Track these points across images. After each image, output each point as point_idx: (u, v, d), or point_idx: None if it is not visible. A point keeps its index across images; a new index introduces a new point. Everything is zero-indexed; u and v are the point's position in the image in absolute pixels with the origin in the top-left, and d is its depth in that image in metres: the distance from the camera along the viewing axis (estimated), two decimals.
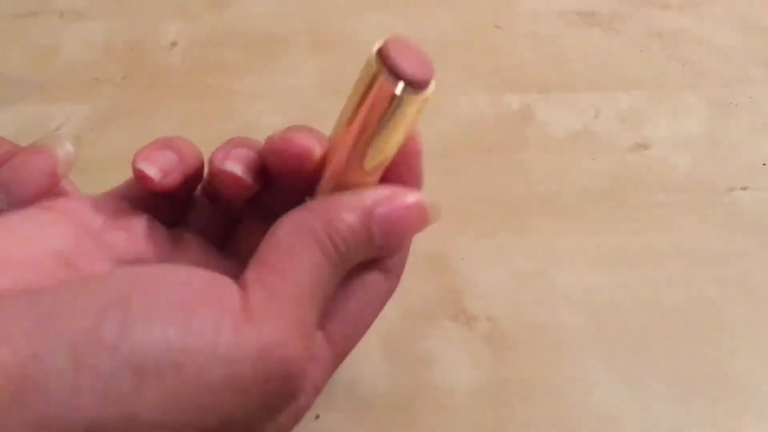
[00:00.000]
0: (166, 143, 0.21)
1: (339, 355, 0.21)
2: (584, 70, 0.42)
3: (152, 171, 0.21)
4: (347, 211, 0.20)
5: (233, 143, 0.21)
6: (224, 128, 0.37)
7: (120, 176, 0.28)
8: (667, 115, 0.39)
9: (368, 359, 0.27)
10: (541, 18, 0.47)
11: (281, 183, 0.22)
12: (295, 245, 0.19)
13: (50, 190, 0.21)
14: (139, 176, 0.20)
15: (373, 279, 0.22)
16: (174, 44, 0.44)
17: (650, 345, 0.28)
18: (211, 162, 0.21)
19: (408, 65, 0.18)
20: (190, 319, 0.16)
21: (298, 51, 0.43)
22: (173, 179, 0.21)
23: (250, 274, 0.18)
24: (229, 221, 0.24)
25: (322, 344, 0.21)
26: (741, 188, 0.35)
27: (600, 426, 0.25)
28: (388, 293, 0.23)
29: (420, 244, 0.32)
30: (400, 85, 0.18)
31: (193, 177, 0.22)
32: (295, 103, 0.39)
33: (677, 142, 0.37)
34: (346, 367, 0.27)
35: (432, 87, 0.18)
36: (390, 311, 0.29)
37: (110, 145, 0.37)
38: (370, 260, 0.21)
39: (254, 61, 0.43)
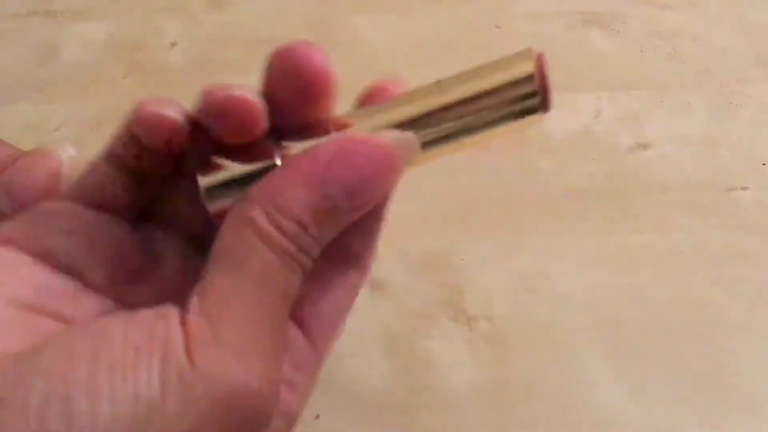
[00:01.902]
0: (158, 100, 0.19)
1: (323, 356, 0.20)
2: (584, 70, 0.42)
3: (173, 112, 0.18)
4: (295, 186, 0.16)
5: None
6: None
7: None
8: (667, 115, 0.39)
9: (368, 359, 0.27)
10: (541, 18, 0.47)
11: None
12: (235, 249, 0.16)
13: (52, 192, 0.20)
14: (160, 120, 0.18)
15: (348, 275, 0.20)
16: (174, 44, 0.44)
17: (650, 345, 0.28)
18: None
19: (551, 87, 0.17)
20: (133, 386, 0.14)
21: None
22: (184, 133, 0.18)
23: (193, 300, 0.16)
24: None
25: (306, 353, 0.19)
26: (741, 188, 0.35)
27: (600, 426, 0.25)
28: (360, 286, 0.21)
29: (420, 244, 0.32)
30: (538, 91, 0.17)
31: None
32: None
33: (677, 142, 0.37)
34: (345, 366, 0.27)
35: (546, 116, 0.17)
36: (390, 311, 0.29)
37: None
38: (341, 257, 0.20)
39: (254, 61, 0.42)
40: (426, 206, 0.34)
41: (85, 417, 0.14)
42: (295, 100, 0.18)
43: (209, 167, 0.18)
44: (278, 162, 0.18)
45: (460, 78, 0.18)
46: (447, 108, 0.17)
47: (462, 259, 0.31)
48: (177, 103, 0.19)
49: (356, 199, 0.17)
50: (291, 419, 0.19)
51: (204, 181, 0.18)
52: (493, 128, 0.17)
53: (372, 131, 0.18)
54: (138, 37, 0.45)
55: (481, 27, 0.46)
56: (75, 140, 0.37)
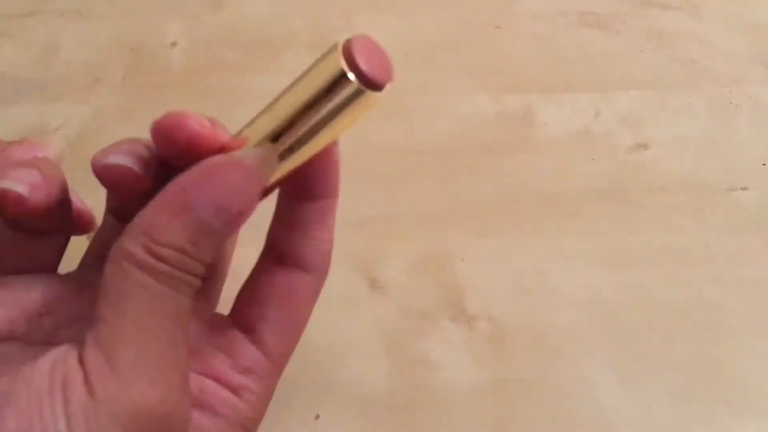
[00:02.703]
0: (19, 162, 0.19)
1: (279, 364, 0.20)
2: (584, 70, 0.42)
3: (20, 187, 0.18)
4: (164, 215, 0.17)
5: (116, 143, 0.20)
6: None
7: None
8: (667, 115, 0.39)
9: (368, 359, 0.27)
10: (541, 18, 0.47)
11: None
12: (118, 282, 0.17)
13: None
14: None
15: (299, 280, 0.21)
16: (174, 44, 0.44)
17: (650, 345, 0.28)
18: (92, 164, 0.19)
19: (370, 64, 0.18)
20: (42, 426, 0.15)
21: (298, 51, 0.43)
22: (43, 195, 0.18)
23: (88, 335, 0.17)
24: None
25: (257, 359, 0.20)
26: (741, 188, 0.35)
27: (600, 426, 0.25)
28: (317, 292, 0.21)
29: (420, 244, 0.32)
30: (353, 80, 0.17)
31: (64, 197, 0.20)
32: None
33: (677, 142, 0.37)
34: (346, 366, 0.27)
35: (388, 89, 0.18)
36: (390, 311, 0.29)
37: None
38: (289, 261, 0.20)
39: (254, 61, 0.43)
40: (426, 206, 0.34)
41: None
42: (182, 161, 0.19)
43: None
44: None
45: (288, 91, 0.19)
46: (289, 120, 0.19)
47: (462, 259, 0.31)
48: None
49: (225, 215, 0.17)
50: (248, 427, 0.20)
51: None
52: (335, 122, 0.18)
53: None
54: (138, 37, 0.45)
55: (481, 27, 0.46)
56: (75, 140, 0.37)
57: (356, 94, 0.18)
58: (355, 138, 0.37)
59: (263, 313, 0.20)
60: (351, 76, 0.17)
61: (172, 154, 0.19)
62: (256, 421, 0.20)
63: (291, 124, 0.19)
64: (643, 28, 0.46)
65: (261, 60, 0.43)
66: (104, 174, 0.19)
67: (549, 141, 0.37)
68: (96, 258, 0.22)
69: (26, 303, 0.19)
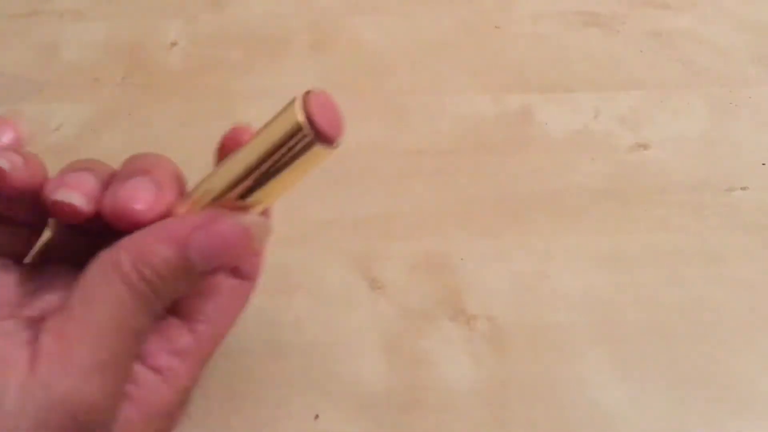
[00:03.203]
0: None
1: (207, 354, 0.22)
2: (584, 70, 0.42)
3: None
4: (160, 242, 0.19)
5: (70, 167, 0.21)
6: (224, 128, 0.37)
7: None
8: (667, 115, 0.39)
9: (368, 359, 0.27)
10: (541, 18, 0.47)
11: None
12: (98, 285, 0.19)
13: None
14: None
15: (228, 285, 0.23)
16: (174, 44, 0.44)
17: (650, 345, 0.28)
18: (43, 197, 0.20)
19: (325, 120, 0.19)
20: None
21: (298, 51, 0.43)
22: (25, 175, 0.20)
23: (51, 321, 0.18)
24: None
25: (190, 344, 0.21)
26: (741, 188, 0.35)
27: (600, 426, 0.25)
28: (245, 295, 0.24)
29: (420, 244, 0.32)
30: (309, 133, 0.19)
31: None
32: None
33: (677, 142, 0.37)
34: (345, 366, 0.27)
35: (339, 144, 0.19)
36: (390, 311, 0.29)
37: (110, 145, 0.37)
38: (232, 269, 0.22)
39: (254, 61, 0.43)
40: (426, 206, 0.34)
41: None
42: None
43: None
44: None
45: (248, 145, 0.20)
46: (245, 172, 0.20)
47: (462, 259, 0.31)
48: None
49: (210, 264, 0.20)
50: (171, 412, 0.21)
51: None
52: (287, 173, 0.20)
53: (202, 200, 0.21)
54: (138, 37, 0.45)
55: (481, 27, 0.46)
56: (75, 140, 0.37)
57: (309, 146, 0.19)
58: (356, 138, 0.37)
59: (203, 307, 0.22)
60: (307, 129, 0.19)
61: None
62: (178, 407, 0.21)
63: (246, 175, 0.20)
64: (643, 28, 0.46)
65: (261, 60, 0.43)
66: (53, 209, 0.20)
67: (549, 141, 0.37)
68: (41, 255, 0.23)
69: None
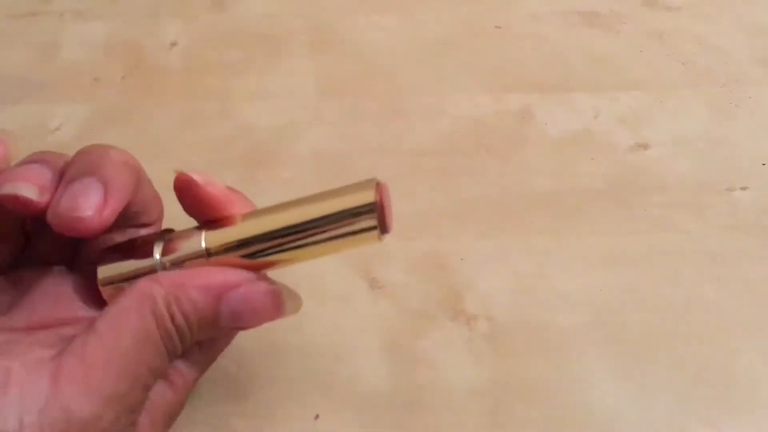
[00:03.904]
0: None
1: (207, 361, 0.23)
2: (584, 70, 0.42)
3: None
4: (197, 289, 0.20)
5: (23, 160, 0.21)
6: (224, 128, 0.37)
7: None
8: (667, 115, 0.39)
9: (368, 359, 0.27)
10: (541, 18, 0.47)
11: None
12: (129, 314, 0.19)
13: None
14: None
15: None
16: (174, 44, 0.44)
17: (650, 345, 0.28)
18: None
19: (388, 213, 0.20)
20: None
21: (298, 51, 0.43)
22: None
23: (77, 341, 0.18)
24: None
25: (193, 349, 0.22)
26: (741, 188, 0.35)
27: (600, 426, 0.25)
28: None
29: (420, 244, 0.32)
30: (375, 216, 0.20)
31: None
32: (295, 103, 0.39)
33: (677, 142, 0.37)
34: (345, 366, 0.27)
35: (386, 238, 0.20)
36: (390, 311, 0.29)
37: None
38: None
39: (254, 61, 0.43)
40: (426, 206, 0.34)
41: None
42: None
43: (104, 259, 0.22)
44: (157, 259, 0.21)
45: (310, 199, 0.21)
46: (301, 227, 0.21)
47: (462, 259, 0.31)
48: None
49: (237, 323, 0.20)
50: (173, 415, 0.22)
51: (102, 272, 0.21)
52: (335, 244, 0.20)
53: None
54: (138, 37, 0.45)
55: (481, 27, 0.46)
56: (75, 140, 0.37)
57: (370, 229, 0.20)
58: (356, 138, 0.38)
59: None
60: (376, 212, 0.20)
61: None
62: (179, 409, 0.22)
63: (292, 231, 0.20)
64: (643, 28, 0.46)
65: (261, 60, 0.43)
66: (5, 202, 0.20)
67: (549, 141, 0.37)
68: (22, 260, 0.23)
69: None
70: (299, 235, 0.20)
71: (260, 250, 0.21)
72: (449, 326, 0.28)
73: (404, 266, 0.31)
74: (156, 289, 0.19)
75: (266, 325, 0.28)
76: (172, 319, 0.19)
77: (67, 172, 0.20)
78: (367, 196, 0.20)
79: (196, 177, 0.21)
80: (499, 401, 0.26)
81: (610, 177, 0.35)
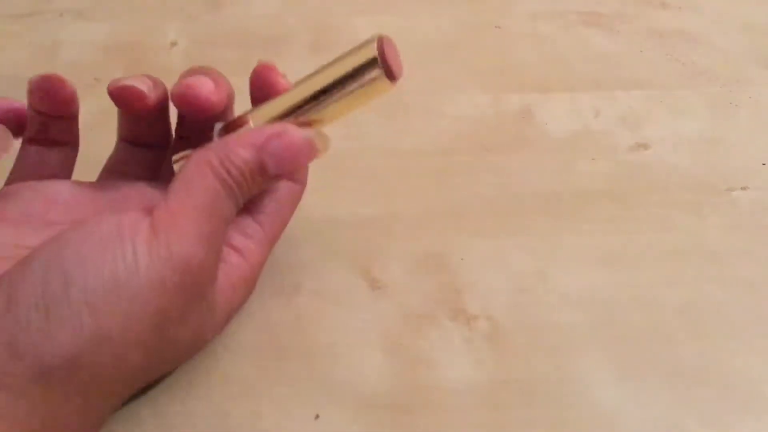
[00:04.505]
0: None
1: (270, 239, 0.27)
2: (584, 70, 0.42)
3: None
4: (242, 147, 0.23)
5: (130, 75, 0.26)
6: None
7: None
8: (667, 115, 0.39)
9: (368, 359, 0.27)
10: (541, 18, 0.47)
11: (192, 124, 0.28)
12: (194, 176, 0.23)
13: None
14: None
15: (284, 186, 0.28)
16: (174, 44, 0.44)
17: (650, 345, 0.28)
18: (109, 87, 0.25)
19: (393, 59, 0.23)
20: (112, 253, 0.21)
21: (298, 51, 0.43)
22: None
23: (160, 202, 0.23)
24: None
25: (257, 229, 0.26)
26: (741, 188, 0.35)
27: (600, 426, 0.25)
28: (298, 196, 0.28)
29: (420, 244, 0.32)
30: (380, 66, 0.23)
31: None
32: None
33: (677, 142, 0.37)
34: (346, 366, 0.27)
35: (397, 84, 0.24)
36: (390, 311, 0.29)
37: (110, 145, 0.37)
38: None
39: (254, 61, 0.42)
40: (426, 206, 0.34)
41: (78, 279, 0.20)
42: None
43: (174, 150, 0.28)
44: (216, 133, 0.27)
45: (320, 71, 0.25)
46: (316, 92, 0.24)
47: (462, 259, 0.31)
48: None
49: (281, 168, 0.24)
50: (248, 282, 0.26)
51: (174, 157, 0.27)
52: (351, 99, 0.24)
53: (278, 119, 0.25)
54: (138, 37, 0.45)
55: (481, 27, 0.46)
56: None
57: (378, 78, 0.23)
58: (356, 138, 0.38)
59: (264, 206, 0.27)
60: (379, 63, 0.23)
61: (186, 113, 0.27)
62: (253, 279, 0.27)
63: (315, 96, 0.24)
64: (643, 28, 0.46)
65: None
66: (118, 93, 0.25)
67: (549, 141, 0.37)
68: (110, 173, 0.29)
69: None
70: (323, 98, 0.24)
71: (292, 113, 0.25)
72: (449, 326, 0.28)
73: (404, 266, 0.31)
74: (208, 154, 0.23)
75: (266, 325, 0.28)
76: (228, 172, 0.23)
77: (183, 74, 0.26)
78: (370, 51, 0.23)
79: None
80: (499, 401, 0.26)
81: (610, 177, 0.35)
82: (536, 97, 0.40)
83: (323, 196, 0.33)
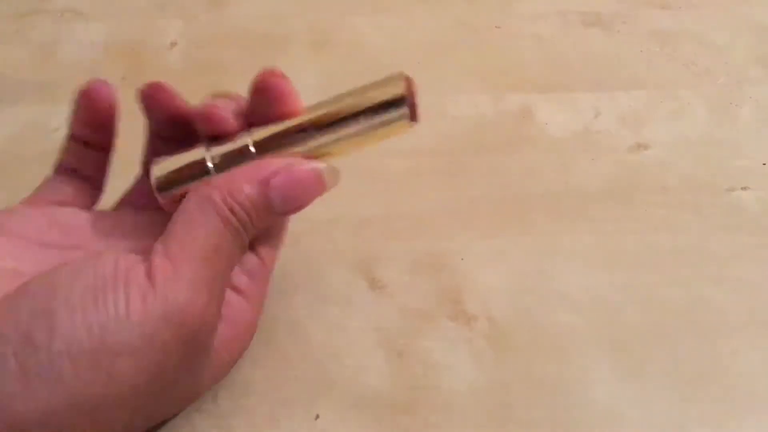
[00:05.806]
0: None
1: (271, 271, 0.26)
2: (584, 70, 0.42)
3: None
4: (246, 183, 0.22)
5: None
6: None
7: (120, 175, 0.28)
8: (667, 115, 0.39)
9: (368, 359, 0.27)
10: (541, 18, 0.47)
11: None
12: (197, 216, 0.21)
13: None
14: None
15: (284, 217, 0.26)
16: (174, 44, 0.44)
17: (650, 345, 0.28)
18: (140, 91, 0.26)
19: (417, 103, 0.23)
20: (103, 302, 0.19)
21: (298, 51, 0.43)
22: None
23: (158, 245, 0.21)
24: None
25: (256, 263, 0.25)
26: (741, 188, 0.35)
27: (600, 426, 0.25)
28: (286, 223, 0.27)
29: (420, 244, 0.32)
30: (406, 105, 0.22)
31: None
32: None
33: (677, 142, 0.37)
34: (346, 366, 0.27)
35: (415, 125, 0.23)
36: (390, 311, 0.29)
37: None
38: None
39: (254, 61, 0.42)
40: (426, 206, 0.34)
41: (65, 326, 0.19)
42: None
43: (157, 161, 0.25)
44: (208, 163, 0.24)
45: (341, 98, 0.23)
46: (339, 121, 0.23)
47: (462, 259, 0.31)
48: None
49: (287, 205, 0.23)
50: (251, 326, 0.25)
51: (157, 170, 0.24)
52: (371, 135, 0.23)
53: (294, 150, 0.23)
54: (138, 37, 0.45)
55: (481, 27, 0.46)
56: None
57: (401, 117, 0.22)
58: None
59: (265, 233, 0.25)
60: (407, 102, 0.22)
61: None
62: (256, 322, 0.25)
63: (331, 125, 0.23)
64: (643, 28, 0.46)
65: (261, 60, 0.42)
66: (147, 92, 0.25)
67: (549, 141, 0.37)
68: (126, 205, 0.27)
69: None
70: (339, 129, 0.23)
71: (299, 140, 0.23)
72: (449, 326, 0.28)
73: (404, 266, 0.31)
74: (210, 189, 0.22)
75: (266, 325, 0.28)
76: (232, 211, 0.22)
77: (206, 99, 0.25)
78: (398, 88, 0.22)
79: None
80: (500, 401, 0.26)
81: (610, 177, 0.35)
82: (536, 97, 0.40)
83: (323, 196, 0.33)
